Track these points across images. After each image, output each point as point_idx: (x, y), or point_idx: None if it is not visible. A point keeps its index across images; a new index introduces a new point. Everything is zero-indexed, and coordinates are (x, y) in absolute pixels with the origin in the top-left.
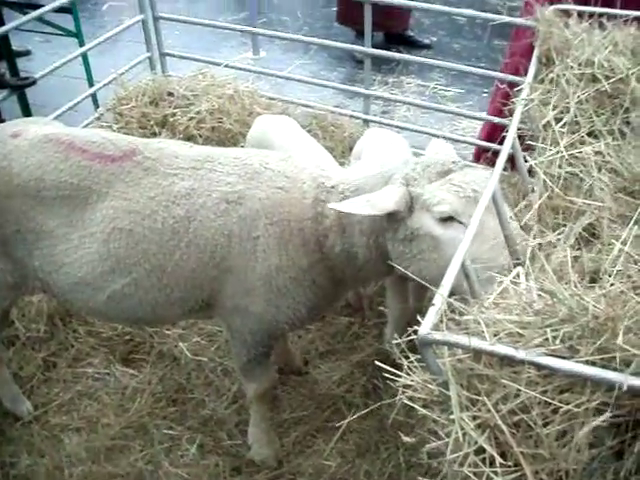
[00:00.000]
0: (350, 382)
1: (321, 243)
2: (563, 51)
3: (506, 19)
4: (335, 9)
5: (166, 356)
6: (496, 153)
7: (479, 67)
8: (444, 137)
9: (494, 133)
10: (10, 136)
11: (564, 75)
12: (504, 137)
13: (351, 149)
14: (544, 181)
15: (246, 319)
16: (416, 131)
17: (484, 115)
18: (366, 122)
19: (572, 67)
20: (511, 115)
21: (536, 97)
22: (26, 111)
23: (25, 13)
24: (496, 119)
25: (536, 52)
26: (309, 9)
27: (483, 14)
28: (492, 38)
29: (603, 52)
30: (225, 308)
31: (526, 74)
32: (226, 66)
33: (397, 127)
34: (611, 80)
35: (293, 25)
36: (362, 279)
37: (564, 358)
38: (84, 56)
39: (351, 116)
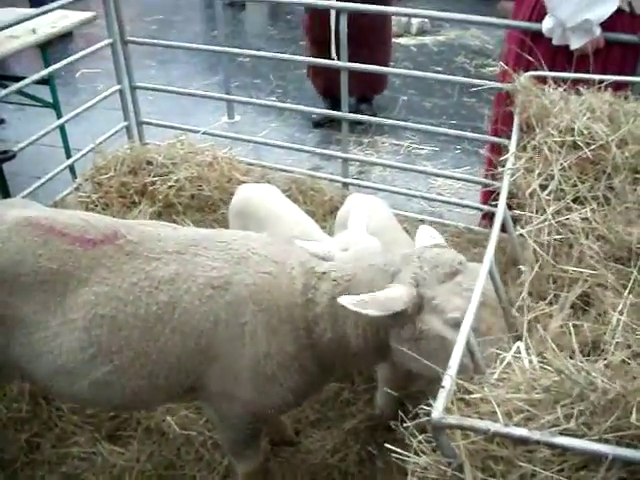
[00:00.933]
0: (344, 450)
1: (311, 330)
2: (543, 118)
3: (490, 84)
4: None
5: (154, 431)
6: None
7: (451, 124)
8: (422, 197)
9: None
10: None
11: (546, 142)
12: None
13: (331, 212)
14: (534, 250)
15: (233, 404)
16: (394, 192)
17: (457, 173)
18: (345, 185)
19: (553, 134)
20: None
21: (521, 165)
22: (1, 181)
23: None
24: (474, 178)
25: (516, 120)
26: (280, 71)
27: (466, 79)
28: (461, 95)
29: (581, 119)
30: (211, 393)
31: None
32: (204, 133)
33: (375, 188)
34: (592, 147)
35: (266, 88)
36: (353, 366)
37: (578, 437)
38: (61, 127)
39: (330, 179)
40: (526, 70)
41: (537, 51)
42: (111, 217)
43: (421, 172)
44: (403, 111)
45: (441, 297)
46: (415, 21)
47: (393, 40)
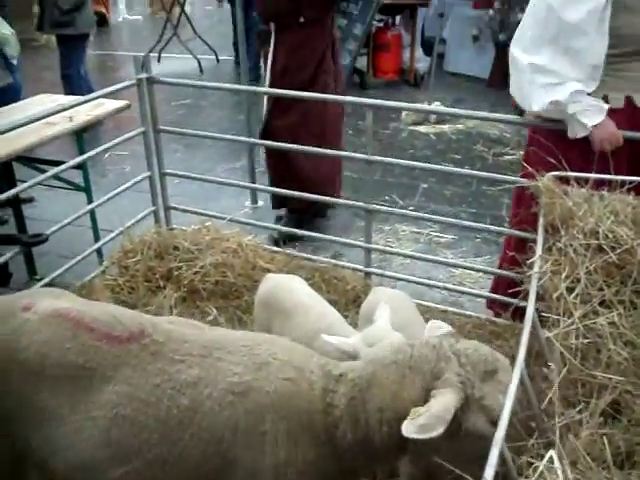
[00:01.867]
0: None
1: (332, 434)
2: (567, 220)
3: (510, 179)
4: None
5: None
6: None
7: (470, 212)
8: (444, 287)
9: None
10: (21, 309)
11: (571, 245)
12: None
13: (354, 301)
14: (562, 353)
15: None
16: (415, 282)
17: (478, 261)
18: (367, 274)
19: (578, 237)
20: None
21: (547, 268)
22: (29, 262)
23: (35, 167)
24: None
25: (541, 222)
26: None
27: (486, 174)
28: (481, 184)
29: (606, 222)
30: None
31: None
32: (230, 220)
33: (396, 278)
34: (617, 251)
35: None
36: (375, 465)
37: None
38: (91, 211)
39: (353, 269)
40: (547, 166)
41: (557, 148)
42: (140, 313)
43: (441, 263)
44: (423, 198)
45: (489, 398)
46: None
47: (413, 128)
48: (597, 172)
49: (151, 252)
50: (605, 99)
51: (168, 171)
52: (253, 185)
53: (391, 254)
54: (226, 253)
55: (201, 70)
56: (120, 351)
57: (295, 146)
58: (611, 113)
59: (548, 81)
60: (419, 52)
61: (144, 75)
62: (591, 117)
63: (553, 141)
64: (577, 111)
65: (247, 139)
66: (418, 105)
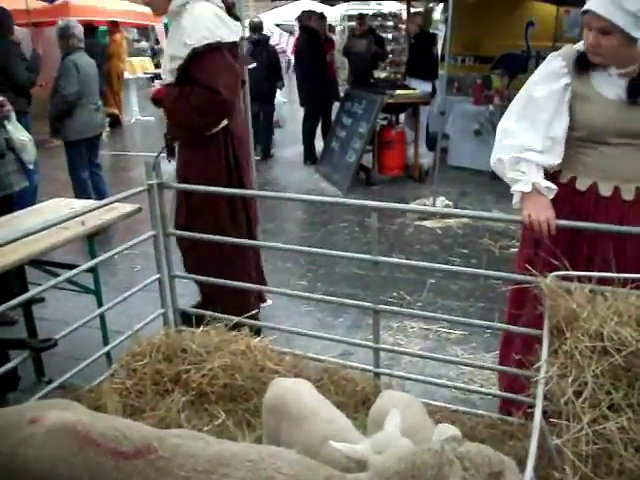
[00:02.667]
0: None
1: None
2: (572, 322)
3: (514, 277)
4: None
5: None
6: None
7: (478, 306)
8: (454, 387)
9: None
10: (28, 422)
11: (577, 348)
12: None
13: (363, 403)
14: (572, 462)
15: None
16: (425, 382)
17: (487, 358)
18: (376, 374)
19: (583, 340)
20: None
21: (554, 372)
22: (38, 364)
23: (46, 270)
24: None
25: (546, 324)
26: (311, 255)
27: (499, 273)
28: (488, 277)
29: (610, 324)
30: None
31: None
32: (238, 322)
33: (406, 378)
34: (623, 353)
35: (297, 271)
36: None
37: None
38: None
39: (362, 369)
40: (550, 271)
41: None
42: (147, 427)
43: (450, 362)
44: (431, 294)
45: None
46: (440, 204)
47: (419, 223)
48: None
49: (159, 355)
50: (573, 180)
51: (177, 273)
52: (259, 287)
53: (400, 354)
54: (235, 355)
55: None
56: (125, 467)
57: (283, 246)
58: (577, 195)
59: (507, 142)
60: (423, 148)
61: (155, 181)
62: (519, 185)
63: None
64: (512, 176)
65: (250, 241)
66: (422, 207)
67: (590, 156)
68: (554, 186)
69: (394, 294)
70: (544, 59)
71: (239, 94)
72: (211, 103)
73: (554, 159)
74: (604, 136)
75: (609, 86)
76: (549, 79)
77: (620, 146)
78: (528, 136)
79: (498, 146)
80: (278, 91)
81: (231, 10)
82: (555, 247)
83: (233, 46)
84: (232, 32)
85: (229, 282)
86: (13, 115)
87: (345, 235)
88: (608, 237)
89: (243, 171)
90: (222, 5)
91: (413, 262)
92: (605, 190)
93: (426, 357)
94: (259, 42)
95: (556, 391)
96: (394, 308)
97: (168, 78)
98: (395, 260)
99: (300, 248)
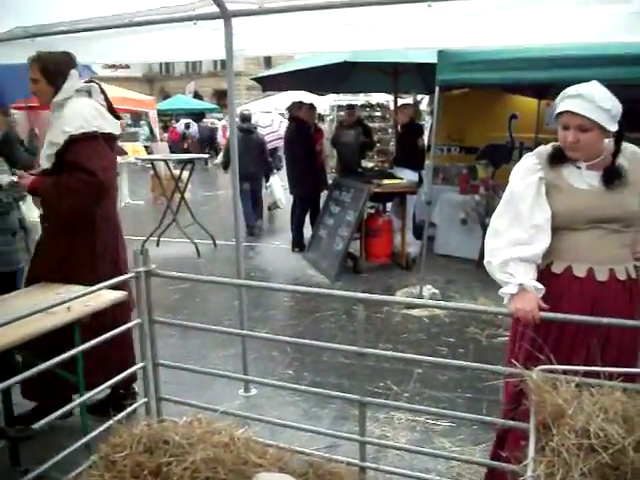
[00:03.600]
0: None
1: None
2: (559, 418)
3: (500, 370)
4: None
5: None
6: None
7: (466, 397)
8: None
9: None
10: None
11: (563, 445)
12: None
13: None
14: None
15: None
16: (411, 477)
17: (477, 451)
18: (362, 469)
19: (569, 437)
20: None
21: (541, 471)
22: (14, 453)
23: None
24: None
25: (532, 421)
26: (298, 345)
27: (485, 366)
28: (475, 368)
29: (596, 420)
30: None
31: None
32: (222, 412)
33: (393, 473)
34: (609, 451)
35: (283, 360)
36: None
37: None
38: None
39: (348, 463)
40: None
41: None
42: None
43: (438, 456)
44: (418, 384)
45: None
46: (427, 292)
47: (405, 312)
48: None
49: (140, 446)
50: (550, 265)
51: (161, 362)
52: (244, 377)
53: (386, 447)
54: (217, 447)
55: (198, 254)
56: None
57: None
58: (553, 277)
59: (494, 244)
60: (410, 236)
61: (142, 269)
62: (508, 287)
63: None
64: (501, 278)
65: (237, 330)
66: (408, 299)
67: (565, 242)
68: (541, 286)
69: (381, 384)
70: (528, 150)
71: (114, 180)
72: (88, 184)
73: (540, 246)
74: (577, 223)
75: (579, 177)
76: (525, 174)
77: (591, 230)
78: (513, 230)
79: (487, 248)
80: (276, 176)
81: (112, 108)
82: (545, 338)
83: (110, 137)
84: (110, 125)
85: (204, 369)
86: (29, 197)
87: (332, 323)
88: (592, 327)
89: (117, 253)
90: (104, 103)
91: (399, 354)
92: (579, 272)
93: (413, 451)
94: (248, 130)
95: None
96: (380, 400)
97: (45, 164)
98: (381, 352)
99: (285, 338)
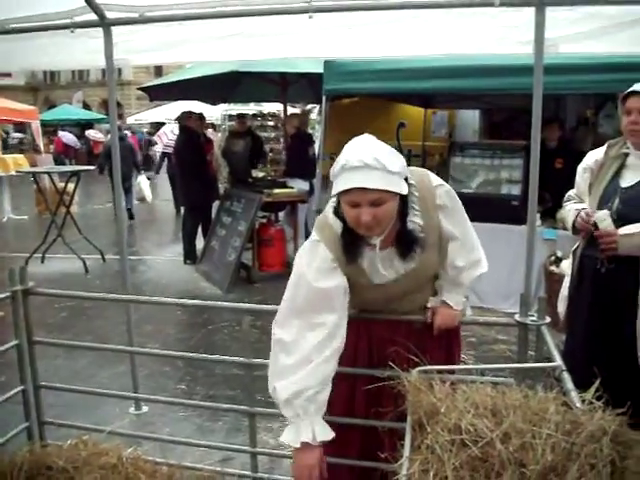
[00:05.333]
0: None
1: None
2: (433, 416)
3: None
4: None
5: None
6: None
7: None
8: None
9: None
10: None
11: (437, 442)
12: None
13: None
14: None
15: None
16: None
17: None
18: None
19: (442, 434)
20: None
21: (416, 469)
22: None
23: None
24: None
25: (409, 421)
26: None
27: (370, 371)
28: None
29: (467, 417)
30: None
31: None
32: (110, 432)
33: None
34: (479, 444)
35: (175, 375)
36: None
37: None
38: None
39: (240, 476)
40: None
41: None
42: None
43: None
44: None
45: None
46: None
47: None
48: None
49: (22, 474)
50: None
51: (43, 383)
52: (134, 395)
53: (277, 457)
54: (105, 469)
55: (86, 270)
56: None
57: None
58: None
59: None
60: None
61: (19, 287)
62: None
63: None
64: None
65: (124, 347)
66: None
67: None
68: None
69: None
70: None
71: None
72: None
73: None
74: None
75: (379, 266)
76: (320, 275)
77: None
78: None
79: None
80: (144, 175)
81: None
82: None
83: None
84: None
85: (90, 389)
86: None
87: (225, 335)
88: None
89: None
90: None
91: None
92: None
93: None
94: (121, 138)
95: None
96: (269, 410)
97: None
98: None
99: (174, 353)
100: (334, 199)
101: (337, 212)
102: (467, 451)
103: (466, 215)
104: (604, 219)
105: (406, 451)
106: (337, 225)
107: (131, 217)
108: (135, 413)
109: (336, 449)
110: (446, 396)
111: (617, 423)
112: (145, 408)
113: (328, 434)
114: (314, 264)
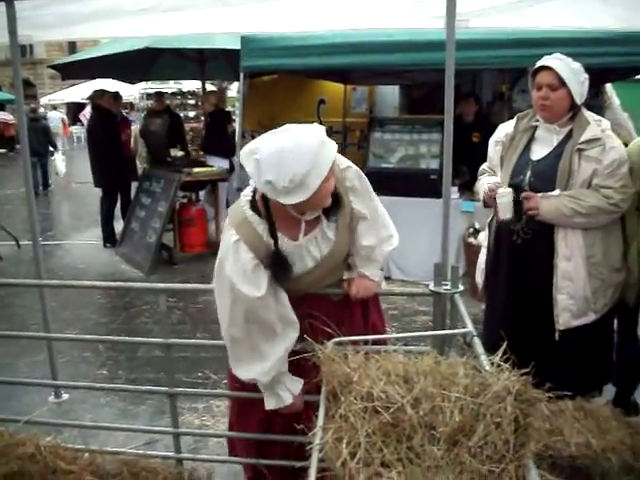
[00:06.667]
0: None
1: None
2: (347, 386)
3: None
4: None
5: None
6: None
7: None
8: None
9: None
10: None
11: (351, 410)
12: None
13: None
14: None
15: None
16: (229, 462)
17: None
18: (179, 461)
19: (356, 402)
20: None
21: (330, 437)
22: None
23: None
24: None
25: (323, 392)
26: (112, 343)
27: None
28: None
29: (379, 384)
30: None
31: None
32: (27, 422)
33: (209, 461)
34: (390, 410)
35: (96, 360)
36: None
37: None
38: None
39: (163, 457)
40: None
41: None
42: None
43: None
44: None
45: None
46: None
47: None
48: None
49: None
50: None
51: None
52: (53, 382)
53: (201, 436)
54: (22, 460)
55: (0, 257)
56: None
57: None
58: None
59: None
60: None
61: None
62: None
63: None
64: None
65: (40, 334)
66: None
67: None
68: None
69: (199, 374)
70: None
71: None
72: None
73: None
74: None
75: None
76: (246, 278)
77: None
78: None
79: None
80: (59, 153)
81: None
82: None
83: None
84: None
85: (5, 379)
86: None
87: (147, 318)
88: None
89: None
90: None
91: (205, 342)
92: None
93: (231, 436)
94: (35, 119)
95: (332, 455)
96: (190, 390)
97: None
98: (187, 341)
99: (92, 337)
100: (249, 191)
101: (254, 206)
102: (379, 417)
103: (374, 193)
104: (503, 195)
105: (320, 421)
106: (255, 220)
107: (46, 187)
108: (55, 401)
109: (261, 426)
110: (359, 366)
111: (521, 383)
112: (65, 396)
113: (299, 385)
114: (239, 268)
